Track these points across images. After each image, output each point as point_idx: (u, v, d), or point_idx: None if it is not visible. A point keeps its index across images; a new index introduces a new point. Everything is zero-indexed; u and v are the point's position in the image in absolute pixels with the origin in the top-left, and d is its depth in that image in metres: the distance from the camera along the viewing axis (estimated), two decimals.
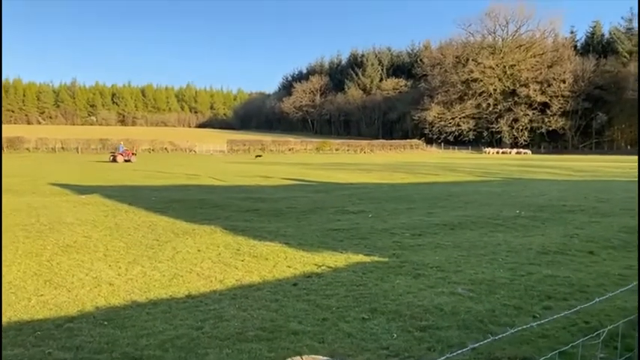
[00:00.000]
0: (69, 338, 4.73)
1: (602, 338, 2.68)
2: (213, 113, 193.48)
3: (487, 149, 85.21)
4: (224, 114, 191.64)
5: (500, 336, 3.00)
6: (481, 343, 3.10)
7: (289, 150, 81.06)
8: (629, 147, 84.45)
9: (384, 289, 6.22)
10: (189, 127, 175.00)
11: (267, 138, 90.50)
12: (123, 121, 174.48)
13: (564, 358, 4.06)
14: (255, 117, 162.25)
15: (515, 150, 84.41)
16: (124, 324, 5.11)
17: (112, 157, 44.23)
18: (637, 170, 31.08)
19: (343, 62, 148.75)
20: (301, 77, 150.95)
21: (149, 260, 7.89)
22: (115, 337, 4.74)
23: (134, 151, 49.59)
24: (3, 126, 77.67)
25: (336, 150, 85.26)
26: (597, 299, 3.09)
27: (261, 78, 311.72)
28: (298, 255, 8.24)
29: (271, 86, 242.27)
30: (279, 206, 14.63)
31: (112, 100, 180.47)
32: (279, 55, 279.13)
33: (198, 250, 8.58)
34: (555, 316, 4.08)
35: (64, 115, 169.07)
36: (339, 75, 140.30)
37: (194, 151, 74.70)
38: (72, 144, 67.68)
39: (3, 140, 58.22)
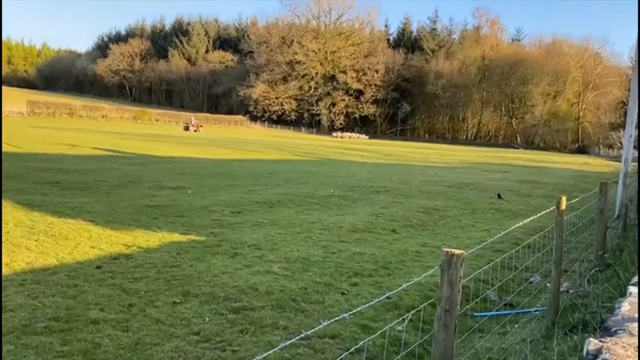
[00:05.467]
0: None
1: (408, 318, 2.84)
2: (11, 69, 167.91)
3: (336, 134, 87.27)
4: (25, 71, 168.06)
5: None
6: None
7: (102, 117, 74.77)
8: (427, 135, 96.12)
9: (199, 270, 5.99)
10: None
11: (76, 102, 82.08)
12: None
13: (368, 333, 4.33)
14: (64, 78, 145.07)
15: (357, 135, 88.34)
16: None
17: (185, 127, 60.86)
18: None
19: (167, 28, 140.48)
20: (119, 39, 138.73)
21: None
22: None
23: (201, 125, 65.88)
24: None
25: (157, 120, 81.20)
26: (405, 285, 3.28)
27: (71, 35, 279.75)
28: (105, 234, 7.53)
29: (83, 45, 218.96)
30: (86, 179, 13.30)
31: None
32: (93, 10, 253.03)
33: None
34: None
35: None
36: (161, 41, 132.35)
37: None
38: None
39: None
